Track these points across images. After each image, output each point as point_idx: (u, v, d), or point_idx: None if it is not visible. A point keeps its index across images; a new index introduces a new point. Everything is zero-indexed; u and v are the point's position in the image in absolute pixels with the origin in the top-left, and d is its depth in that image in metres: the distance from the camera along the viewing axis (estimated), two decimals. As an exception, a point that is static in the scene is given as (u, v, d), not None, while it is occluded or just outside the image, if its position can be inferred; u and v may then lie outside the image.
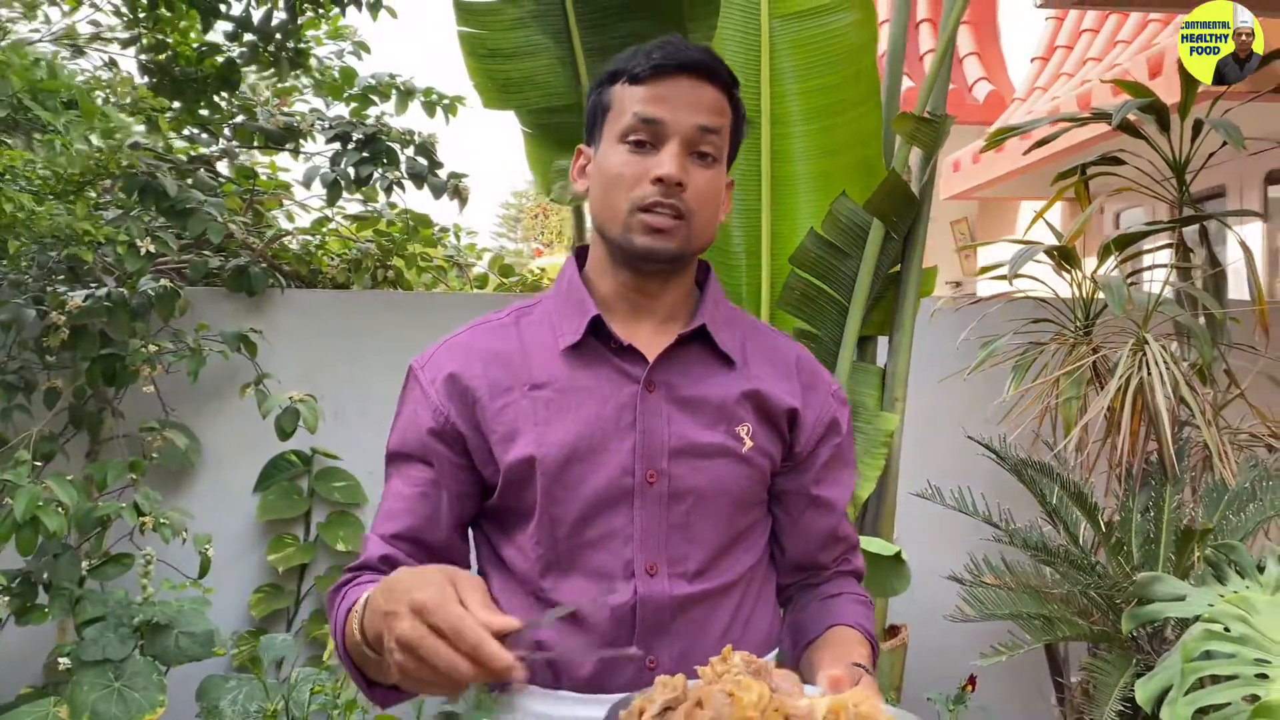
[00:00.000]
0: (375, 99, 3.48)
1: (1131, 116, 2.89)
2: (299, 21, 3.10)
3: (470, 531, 1.27)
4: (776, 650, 1.27)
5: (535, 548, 1.17)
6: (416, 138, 3.36)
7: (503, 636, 0.88)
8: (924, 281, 2.82)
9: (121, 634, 2.37)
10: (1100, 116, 2.88)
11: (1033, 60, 6.24)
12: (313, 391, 3.08)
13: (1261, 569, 2.18)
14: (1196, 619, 2.15)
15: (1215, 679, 1.93)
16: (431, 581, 0.91)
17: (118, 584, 2.72)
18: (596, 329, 1.20)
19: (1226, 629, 1.96)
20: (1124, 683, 2.25)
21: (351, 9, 3.14)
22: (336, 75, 3.44)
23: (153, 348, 2.80)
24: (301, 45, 3.09)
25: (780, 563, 1.31)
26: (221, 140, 3.37)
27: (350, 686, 2.30)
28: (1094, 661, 2.34)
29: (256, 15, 3.05)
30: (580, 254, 1.30)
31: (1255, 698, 1.85)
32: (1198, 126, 2.87)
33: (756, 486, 1.23)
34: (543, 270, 4.20)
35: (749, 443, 1.20)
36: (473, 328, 1.27)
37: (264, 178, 3.65)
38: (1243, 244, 2.95)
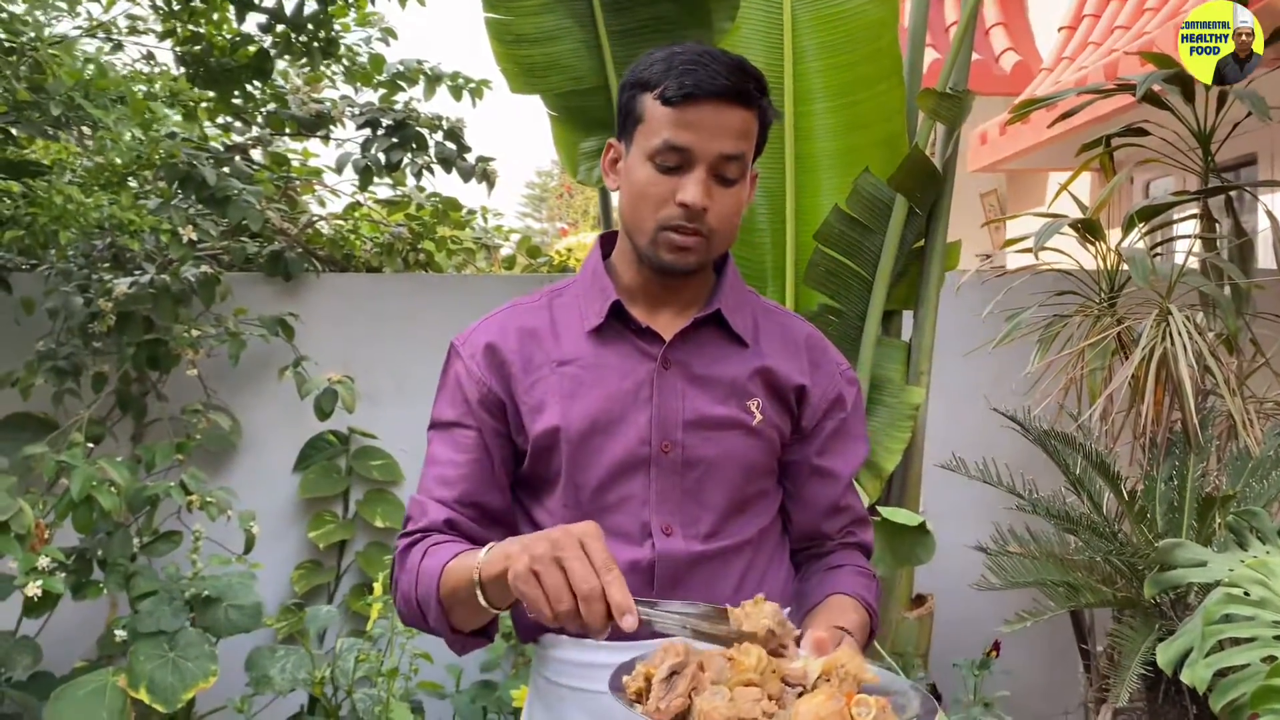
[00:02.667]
0: (403, 85, 3.54)
1: (1156, 87, 2.90)
2: (329, 10, 3.17)
3: None
4: (789, 609, 1.35)
5: (562, 510, 1.28)
6: (445, 123, 3.42)
7: None
8: (948, 256, 2.85)
9: (175, 607, 2.47)
10: (1125, 88, 2.89)
11: (1060, 29, 6.18)
12: (348, 372, 3.16)
13: (1282, 535, 2.21)
14: (1218, 584, 2.19)
15: (1235, 641, 1.97)
16: (591, 527, 1.03)
17: (166, 560, 2.82)
18: (618, 312, 1.30)
19: (1246, 593, 2.00)
20: (1146, 647, 2.29)
21: (380, -4, 3.20)
22: (365, 62, 3.51)
23: (195, 332, 2.89)
24: (333, 34, 3.15)
25: (790, 532, 1.40)
26: (255, 128, 3.45)
27: (393, 654, 2.39)
28: (1119, 628, 2.39)
29: (289, 5, 3.12)
30: (605, 240, 1.39)
31: (1273, 658, 1.89)
32: (1222, 96, 2.87)
33: (766, 457, 1.32)
34: (569, 250, 4.26)
35: (759, 416, 1.30)
36: (509, 308, 1.37)
37: (296, 164, 3.73)
38: (1269, 213, 2.95)
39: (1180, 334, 2.58)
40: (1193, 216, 3.16)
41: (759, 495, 1.33)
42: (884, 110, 2.79)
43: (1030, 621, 2.38)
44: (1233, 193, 2.98)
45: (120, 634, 2.52)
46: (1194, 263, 2.96)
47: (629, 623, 0.97)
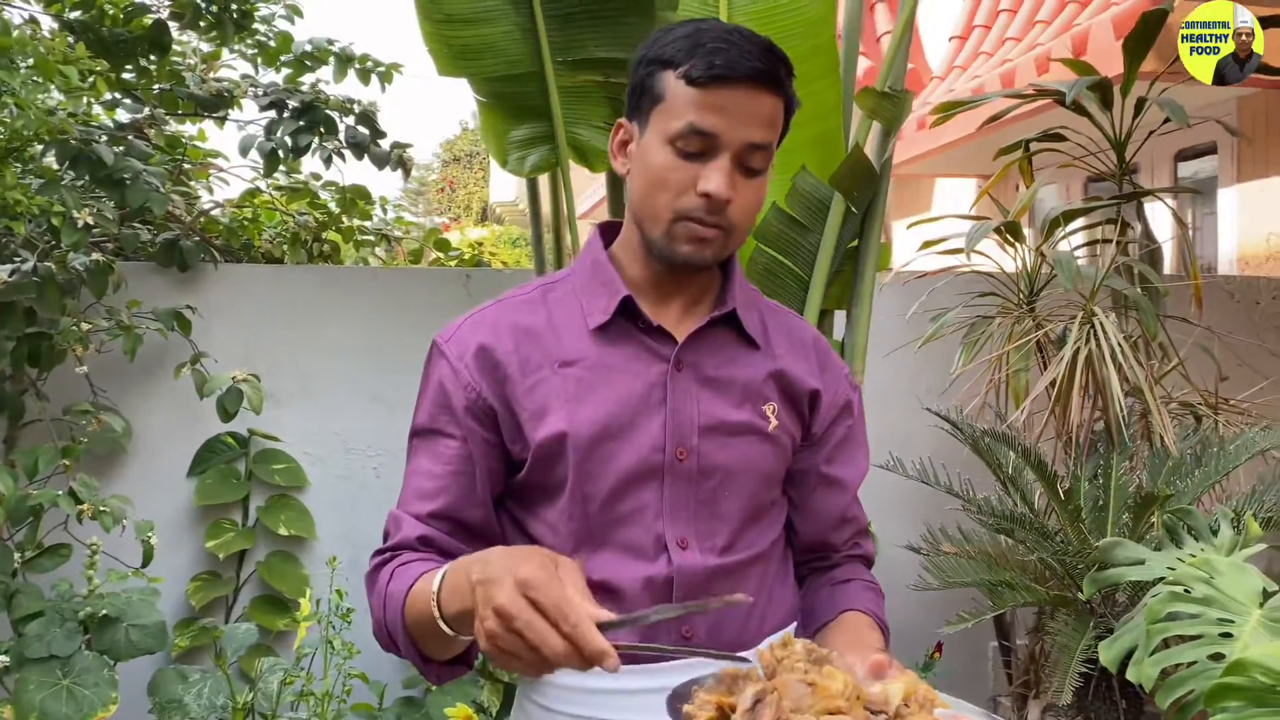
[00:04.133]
0: (310, 65, 3.33)
1: (1078, 95, 2.96)
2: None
3: None
4: (795, 624, 1.29)
5: (567, 523, 1.17)
6: (356, 106, 3.24)
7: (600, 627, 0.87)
8: (880, 256, 2.85)
9: (68, 629, 2.24)
10: (1049, 94, 2.94)
11: (951, 39, 6.36)
12: (248, 370, 2.95)
13: (1215, 532, 2.27)
14: (1155, 582, 2.24)
15: (1180, 639, 2.01)
16: (534, 558, 0.90)
17: (54, 577, 2.57)
18: (625, 309, 1.20)
19: (1189, 590, 2.04)
20: (1085, 645, 2.32)
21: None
22: (270, 40, 3.29)
23: (85, 326, 2.64)
24: (246, 6, 2.93)
25: (793, 544, 1.33)
26: (147, 108, 3.18)
27: (326, 675, 2.22)
28: (1055, 625, 2.41)
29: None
30: (605, 229, 1.29)
31: (1220, 656, 1.93)
32: (1139, 104, 2.95)
33: (780, 465, 1.26)
34: (480, 244, 4.11)
35: (774, 421, 1.23)
36: (499, 303, 1.25)
37: (190, 147, 3.48)
38: (1178, 218, 3.06)
39: (1106, 336, 2.63)
40: (1100, 224, 3.26)
41: (772, 505, 1.27)
42: (821, 108, 2.75)
43: (972, 622, 2.38)
44: (1145, 199, 3.06)
45: (2, 659, 2.27)
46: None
47: (611, 664, 0.87)
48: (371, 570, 1.17)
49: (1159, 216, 3.64)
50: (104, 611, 2.30)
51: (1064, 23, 5.11)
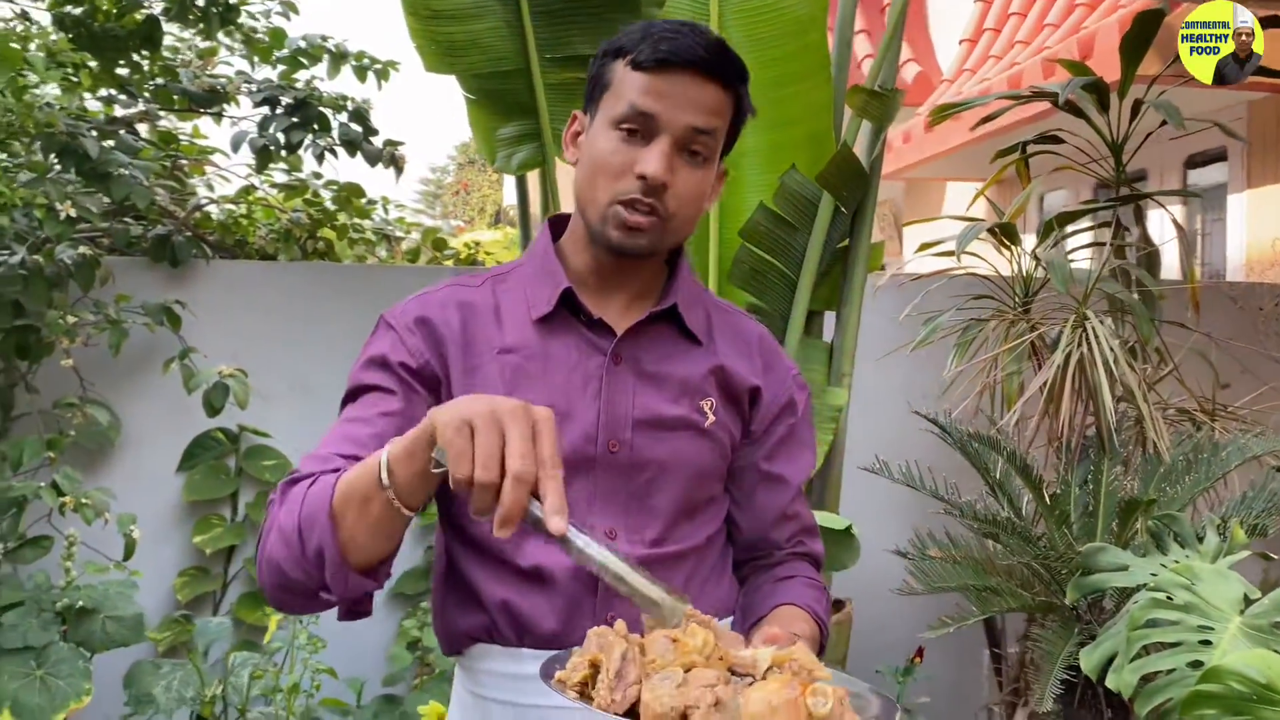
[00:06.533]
0: (305, 61, 3.34)
1: (1071, 96, 2.93)
2: (227, -27, 2.95)
3: None
4: (731, 618, 1.28)
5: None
6: (350, 103, 3.24)
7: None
8: (871, 256, 2.82)
9: (43, 619, 2.24)
10: (1044, 95, 2.91)
11: (961, 42, 6.31)
12: (238, 366, 2.95)
13: (1201, 539, 2.23)
14: (1139, 588, 2.20)
15: (1160, 646, 1.98)
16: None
17: (35, 568, 2.58)
18: (567, 301, 1.20)
19: (1170, 597, 2.00)
20: (1068, 652, 2.29)
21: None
22: (264, 36, 3.29)
23: (72, 319, 2.65)
24: (231, 1, 2.93)
25: (736, 541, 1.32)
26: (141, 103, 3.19)
27: (293, 669, 2.21)
28: (1040, 631, 2.38)
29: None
30: (555, 222, 1.29)
31: (1199, 663, 1.89)
32: (1135, 107, 2.91)
33: (717, 460, 1.25)
34: (478, 244, 4.11)
35: (711, 417, 1.22)
36: (449, 285, 1.25)
37: (185, 143, 3.49)
38: (1176, 223, 3.02)
39: (1099, 339, 2.59)
40: (1099, 226, 3.22)
41: (708, 501, 1.25)
42: (811, 107, 2.74)
43: (954, 626, 2.35)
44: (1143, 201, 3.02)
45: (-21, 650, 2.27)
46: (1104, 270, 3.00)
47: (556, 525, 0.85)
48: (281, 488, 1.06)
49: (1164, 222, 3.59)
50: (81, 603, 2.30)
51: (1072, 25, 5.06)
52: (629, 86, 1.13)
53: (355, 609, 1.08)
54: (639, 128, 1.12)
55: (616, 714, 0.90)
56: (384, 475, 0.94)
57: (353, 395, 1.18)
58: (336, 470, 1.03)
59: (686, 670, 0.90)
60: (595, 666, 0.92)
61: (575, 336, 1.20)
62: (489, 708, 1.18)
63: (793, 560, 1.31)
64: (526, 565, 1.15)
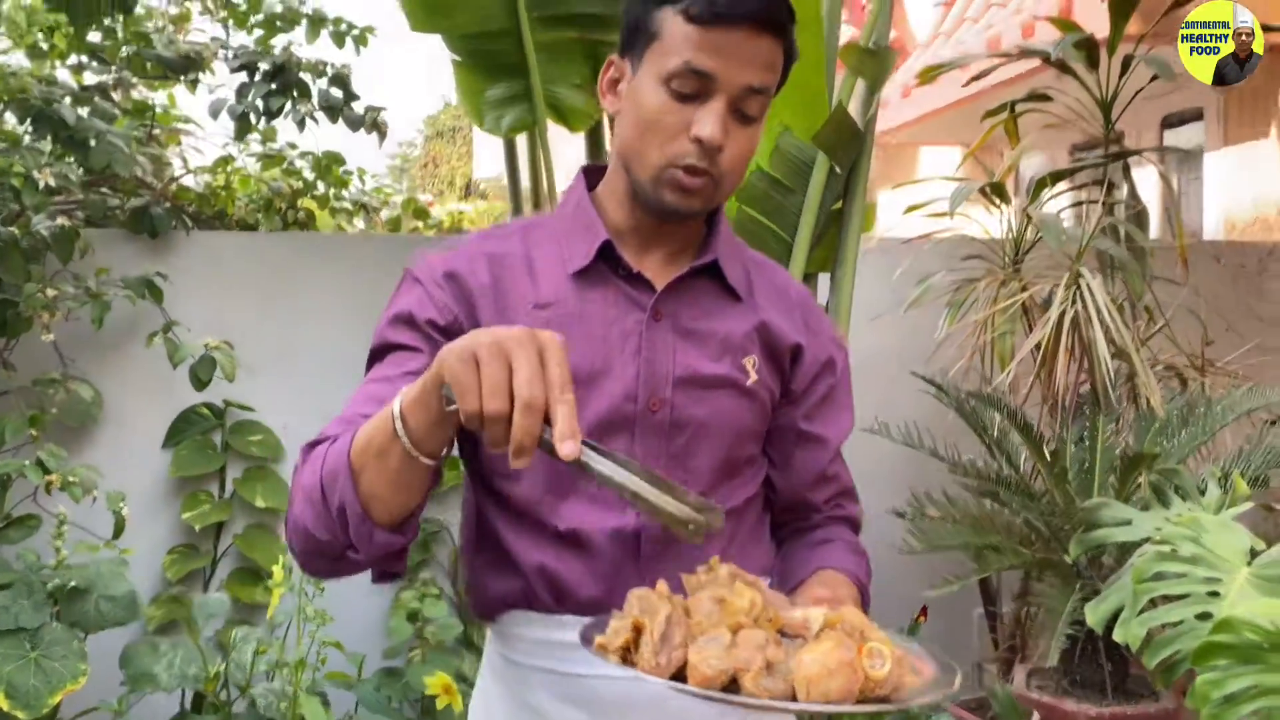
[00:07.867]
0: (281, 26, 3.25)
1: (1062, 53, 2.92)
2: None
3: None
4: (769, 581, 1.25)
5: (532, 471, 1.12)
6: (329, 69, 3.16)
7: None
8: (865, 219, 2.80)
9: (36, 600, 2.19)
10: (1035, 53, 2.90)
11: (936, 5, 6.30)
12: (222, 339, 2.89)
13: (1203, 492, 2.25)
14: (1142, 542, 2.21)
15: (1167, 598, 1.99)
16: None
17: (21, 548, 2.51)
18: (605, 254, 1.15)
19: (1176, 550, 2.01)
20: (1071, 607, 2.30)
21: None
22: (240, 1, 3.21)
23: (51, 292, 2.57)
24: (211, -39, 2.86)
25: (773, 503, 1.29)
26: (114, 70, 3.10)
27: (300, 644, 2.18)
28: (1041, 588, 2.39)
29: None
30: (589, 172, 1.24)
31: (1207, 615, 1.91)
32: (1125, 63, 2.91)
33: (758, 420, 1.21)
34: (461, 213, 4.05)
35: (754, 376, 1.19)
36: (478, 236, 1.22)
37: (160, 112, 3.40)
38: (1165, 179, 3.03)
39: (1093, 297, 2.60)
40: (1077, 186, 3.22)
41: (748, 462, 1.22)
42: (803, 66, 2.70)
43: (958, 585, 2.36)
44: (1132, 159, 3.03)
45: (-31, 632, 2.21)
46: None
47: (568, 449, 0.82)
48: (305, 449, 1.06)
49: (1145, 183, 3.61)
50: (73, 583, 2.25)
51: (1050, -13, 5.05)
52: (681, 40, 1.06)
53: (387, 569, 1.06)
54: (694, 89, 1.07)
55: (662, 679, 0.88)
56: (397, 424, 0.91)
57: (378, 354, 1.14)
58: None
59: (734, 632, 0.88)
60: (638, 630, 0.90)
61: (613, 291, 1.15)
62: (527, 674, 1.15)
63: (831, 524, 1.29)
64: (564, 529, 1.12)
